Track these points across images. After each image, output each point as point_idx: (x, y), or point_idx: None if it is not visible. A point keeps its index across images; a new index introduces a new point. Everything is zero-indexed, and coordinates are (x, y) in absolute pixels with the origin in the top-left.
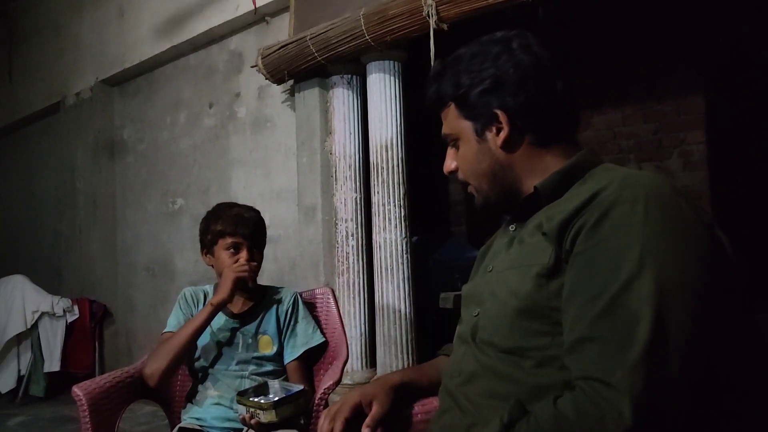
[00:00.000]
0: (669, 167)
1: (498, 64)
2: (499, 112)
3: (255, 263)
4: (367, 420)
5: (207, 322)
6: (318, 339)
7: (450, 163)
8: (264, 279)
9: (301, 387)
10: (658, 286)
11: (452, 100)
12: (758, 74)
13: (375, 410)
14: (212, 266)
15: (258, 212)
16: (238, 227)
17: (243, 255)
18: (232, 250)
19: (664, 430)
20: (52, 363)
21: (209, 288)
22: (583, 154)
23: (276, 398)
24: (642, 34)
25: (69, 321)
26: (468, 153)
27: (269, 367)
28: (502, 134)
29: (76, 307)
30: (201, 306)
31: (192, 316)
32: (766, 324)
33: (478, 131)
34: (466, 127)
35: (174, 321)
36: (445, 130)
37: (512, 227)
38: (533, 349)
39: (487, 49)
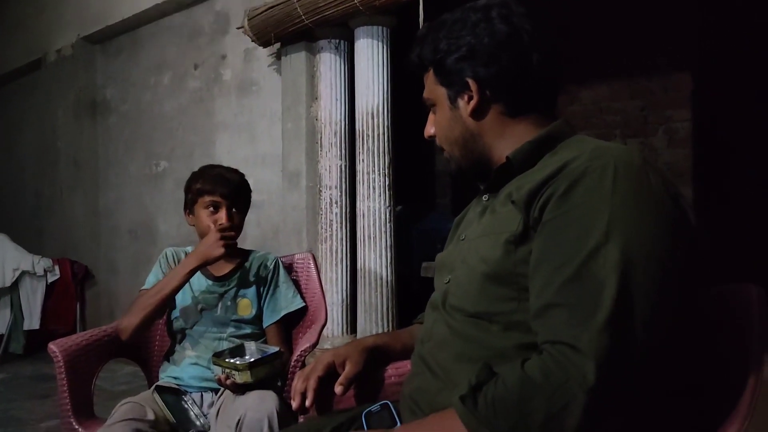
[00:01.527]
0: (654, 144)
1: (475, 32)
2: (470, 80)
3: (234, 224)
4: (340, 378)
5: (183, 282)
6: (298, 303)
7: (429, 128)
8: (247, 244)
9: (277, 349)
10: (624, 254)
11: (431, 64)
12: (745, 55)
13: (348, 369)
14: (194, 226)
15: (242, 175)
16: (216, 186)
17: (221, 214)
18: (211, 209)
19: (626, 391)
20: (32, 321)
21: (190, 249)
22: (557, 124)
23: (251, 359)
24: (632, 9)
25: (50, 281)
26: (442, 119)
27: (248, 330)
28: (472, 102)
29: (57, 267)
30: None
31: None
32: (739, 293)
33: (451, 98)
34: (441, 93)
35: (153, 279)
36: (425, 94)
37: (485, 197)
38: (500, 313)
39: (468, 16)
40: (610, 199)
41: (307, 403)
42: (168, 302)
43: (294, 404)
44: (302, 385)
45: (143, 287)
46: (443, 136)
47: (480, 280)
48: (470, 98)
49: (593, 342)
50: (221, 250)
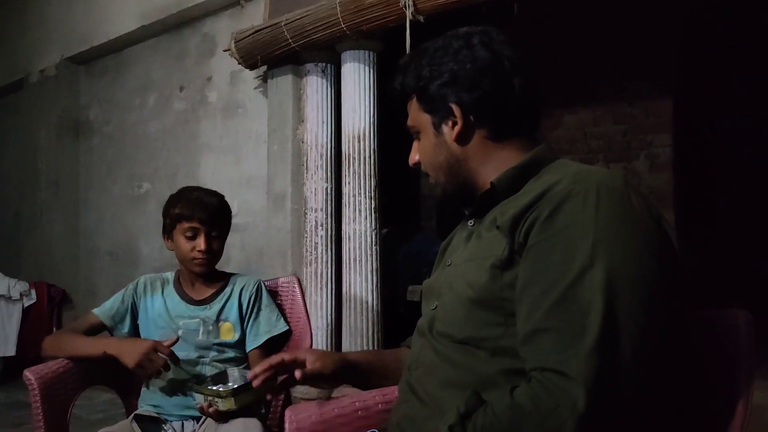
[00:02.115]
0: (636, 168)
1: (457, 59)
2: (453, 105)
3: (213, 250)
4: (305, 371)
5: (94, 357)
6: (281, 327)
7: (413, 155)
8: (231, 267)
9: None
10: (609, 276)
11: (414, 92)
12: (725, 79)
13: (314, 367)
14: (173, 251)
15: (221, 197)
16: (195, 211)
17: (200, 241)
18: (189, 235)
19: (617, 416)
20: (7, 348)
21: (169, 275)
22: (540, 149)
23: (235, 386)
24: (614, 36)
25: (26, 305)
26: (427, 145)
27: (230, 354)
28: (457, 128)
29: (33, 291)
30: (154, 295)
31: (132, 307)
32: (726, 318)
33: (435, 124)
34: (425, 120)
35: (108, 305)
36: (409, 122)
37: (471, 222)
38: (487, 339)
39: (449, 43)
40: (593, 222)
41: (258, 369)
42: (78, 360)
43: (249, 374)
44: (261, 368)
45: (95, 309)
46: (428, 162)
47: (466, 305)
48: (454, 124)
49: (581, 367)
50: (134, 366)
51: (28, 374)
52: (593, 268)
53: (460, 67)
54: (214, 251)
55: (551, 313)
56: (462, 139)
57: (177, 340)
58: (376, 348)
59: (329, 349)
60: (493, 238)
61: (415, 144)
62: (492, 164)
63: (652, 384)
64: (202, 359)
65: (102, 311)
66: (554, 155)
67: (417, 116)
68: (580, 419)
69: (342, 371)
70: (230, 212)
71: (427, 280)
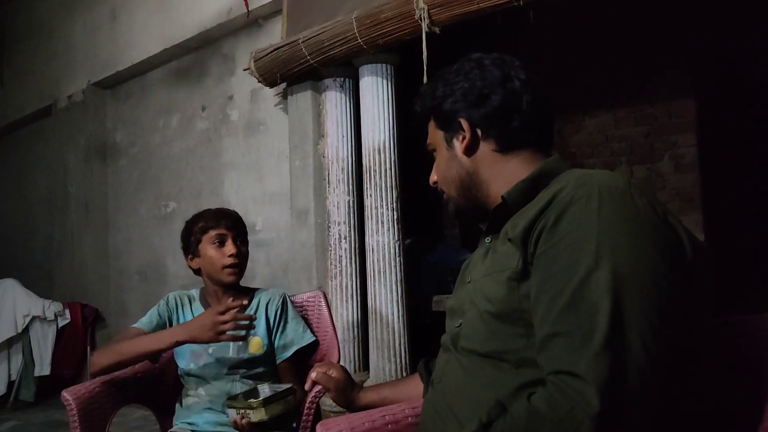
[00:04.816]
0: (661, 170)
1: (469, 78)
2: (462, 120)
3: (242, 253)
4: (321, 377)
5: (165, 349)
6: (308, 338)
7: (433, 175)
8: (257, 282)
9: (290, 385)
10: (615, 275)
11: (430, 111)
12: (747, 77)
13: (329, 381)
14: (198, 270)
15: (235, 211)
16: (220, 220)
17: (229, 245)
18: (217, 243)
19: (633, 415)
20: (43, 367)
21: (194, 293)
22: (550, 161)
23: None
24: (633, 37)
25: (60, 325)
26: (441, 161)
27: (259, 369)
28: (465, 141)
29: (67, 311)
30: (185, 311)
31: (168, 320)
32: (759, 323)
33: (447, 140)
34: (440, 136)
35: (146, 319)
36: (428, 141)
37: (488, 239)
38: (510, 351)
39: (463, 65)
40: (596, 224)
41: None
42: (142, 359)
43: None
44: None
45: (134, 324)
46: (442, 177)
47: (488, 319)
48: (464, 138)
49: (591, 366)
50: (212, 336)
51: (66, 395)
52: (599, 269)
53: (470, 84)
54: (244, 255)
55: (561, 317)
56: (471, 151)
57: (231, 299)
58: (403, 359)
59: (357, 362)
60: (507, 252)
61: (434, 164)
62: (502, 177)
63: (672, 383)
64: (232, 376)
65: (143, 324)
66: (565, 165)
67: (433, 134)
68: (595, 418)
69: (356, 394)
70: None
71: (450, 300)
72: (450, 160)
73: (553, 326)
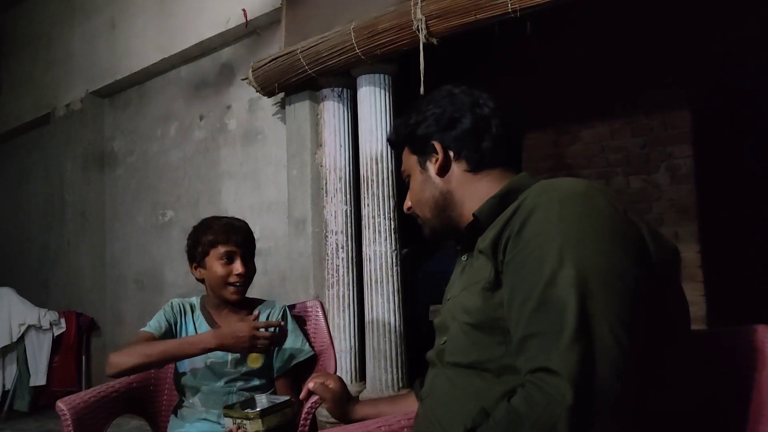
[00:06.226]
0: (657, 181)
1: (439, 105)
2: (435, 143)
3: (249, 272)
4: (318, 387)
5: (196, 355)
6: (307, 352)
7: (407, 202)
8: (254, 292)
9: (288, 398)
10: (579, 272)
11: (404, 138)
12: (742, 88)
13: (326, 391)
14: (202, 280)
15: (246, 223)
16: (230, 235)
17: (238, 265)
18: (225, 260)
19: (609, 405)
20: (38, 377)
21: (195, 301)
22: (518, 177)
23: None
24: (628, 49)
25: (56, 334)
26: (415, 185)
27: (257, 382)
28: (438, 162)
29: (63, 320)
30: (186, 319)
31: (174, 324)
32: (750, 334)
33: (421, 163)
34: (413, 161)
35: (155, 323)
36: (402, 168)
37: (464, 257)
38: (491, 360)
39: (434, 95)
40: (558, 226)
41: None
42: (168, 362)
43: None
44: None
45: (144, 329)
46: (416, 200)
47: (468, 331)
48: (437, 159)
49: (563, 360)
50: (245, 348)
51: (61, 405)
52: (563, 268)
53: (442, 110)
54: (250, 272)
55: (532, 319)
56: (443, 171)
57: (258, 315)
58: (400, 369)
59: (354, 372)
60: (480, 264)
61: (409, 190)
62: (474, 196)
63: (648, 383)
64: (229, 389)
65: (152, 329)
66: (533, 181)
67: (407, 160)
68: (570, 410)
69: (352, 406)
70: (254, 237)
71: (436, 319)
72: (424, 182)
73: (526, 329)
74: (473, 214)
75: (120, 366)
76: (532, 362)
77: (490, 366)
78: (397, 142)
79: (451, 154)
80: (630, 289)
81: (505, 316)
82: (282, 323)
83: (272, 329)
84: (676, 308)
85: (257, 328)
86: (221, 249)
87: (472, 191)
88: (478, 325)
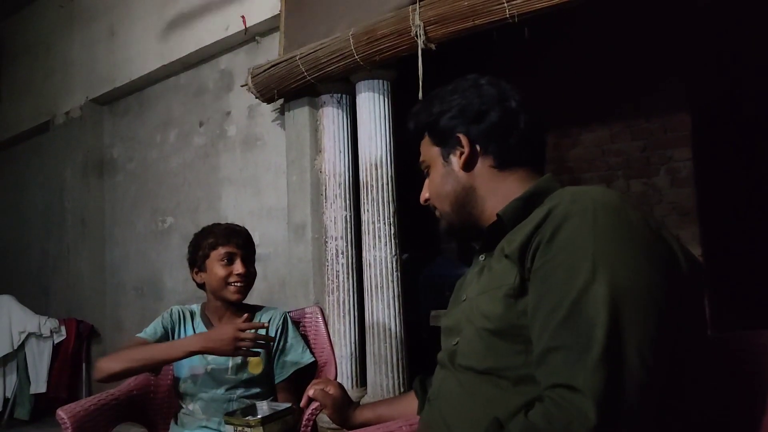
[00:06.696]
0: (657, 184)
1: (465, 95)
2: (461, 135)
3: (250, 273)
4: (319, 393)
5: (180, 358)
6: (308, 359)
7: (424, 193)
8: (254, 298)
9: (289, 405)
10: (611, 289)
11: (425, 128)
12: (742, 91)
13: (326, 398)
14: (203, 284)
15: (246, 228)
16: (231, 237)
17: (238, 265)
18: (225, 261)
19: (630, 428)
20: (38, 385)
21: (195, 308)
22: (544, 179)
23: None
24: (628, 53)
25: (56, 342)
26: (436, 177)
27: (257, 389)
28: (463, 156)
29: (63, 328)
30: (186, 326)
31: (172, 330)
32: (757, 339)
33: (444, 155)
34: (435, 152)
35: (150, 329)
36: (421, 158)
37: (482, 257)
38: (509, 368)
39: (458, 84)
40: (592, 238)
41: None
42: (153, 367)
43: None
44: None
45: (139, 334)
46: (436, 193)
47: (486, 336)
48: (461, 153)
49: (589, 380)
50: (229, 350)
51: (62, 413)
52: (595, 283)
53: (468, 101)
54: (251, 275)
55: (559, 331)
56: (469, 166)
57: (249, 318)
58: (400, 375)
59: (355, 377)
60: (504, 268)
61: (426, 182)
62: (498, 194)
63: (667, 395)
64: (229, 396)
65: (147, 335)
66: (557, 185)
67: (427, 151)
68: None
69: (350, 412)
70: (254, 243)
71: (445, 318)
72: (446, 175)
73: (551, 340)
74: (497, 215)
75: (106, 371)
76: (554, 377)
77: (507, 374)
78: (416, 130)
79: (478, 148)
80: (660, 309)
81: (528, 325)
82: (266, 325)
83: (256, 330)
84: (697, 320)
85: (242, 330)
86: (222, 250)
87: (496, 189)
88: (497, 332)
